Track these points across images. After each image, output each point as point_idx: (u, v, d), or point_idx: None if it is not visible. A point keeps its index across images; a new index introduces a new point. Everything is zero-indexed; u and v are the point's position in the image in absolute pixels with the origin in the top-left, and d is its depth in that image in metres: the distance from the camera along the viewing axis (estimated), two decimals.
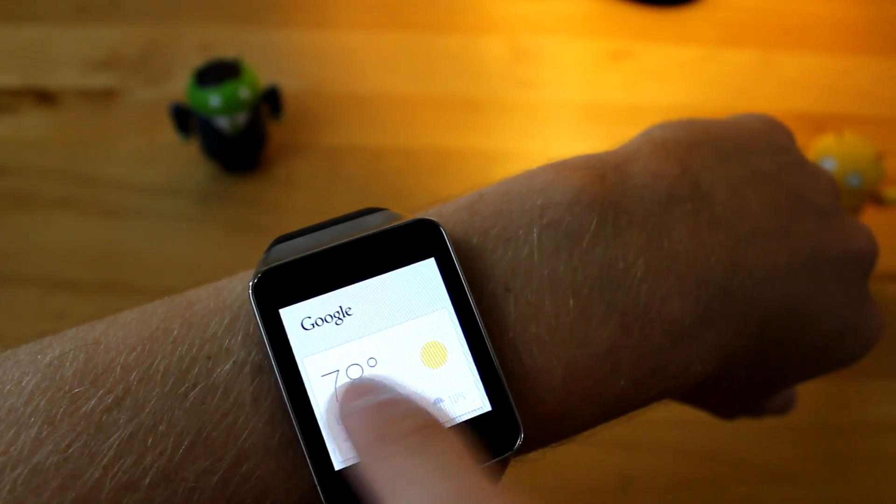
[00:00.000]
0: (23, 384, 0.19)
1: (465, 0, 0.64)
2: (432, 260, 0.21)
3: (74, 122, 0.55)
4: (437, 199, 0.24)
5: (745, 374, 0.26)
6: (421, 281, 0.21)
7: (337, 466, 0.19)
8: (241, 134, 0.50)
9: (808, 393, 0.46)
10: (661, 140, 0.25)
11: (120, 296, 0.47)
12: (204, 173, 0.53)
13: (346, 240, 0.21)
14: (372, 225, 0.22)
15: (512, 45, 0.61)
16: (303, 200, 0.52)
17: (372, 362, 0.20)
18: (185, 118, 0.50)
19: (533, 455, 0.22)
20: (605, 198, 0.22)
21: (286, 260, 0.20)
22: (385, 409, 0.18)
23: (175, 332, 0.20)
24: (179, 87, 0.55)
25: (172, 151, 0.54)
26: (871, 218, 0.50)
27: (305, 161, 0.54)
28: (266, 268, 0.20)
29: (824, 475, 0.43)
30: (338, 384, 0.20)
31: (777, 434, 0.45)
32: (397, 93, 0.58)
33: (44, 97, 0.56)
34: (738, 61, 0.61)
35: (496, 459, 0.20)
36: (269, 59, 0.58)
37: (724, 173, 0.24)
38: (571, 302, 0.21)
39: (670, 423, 0.45)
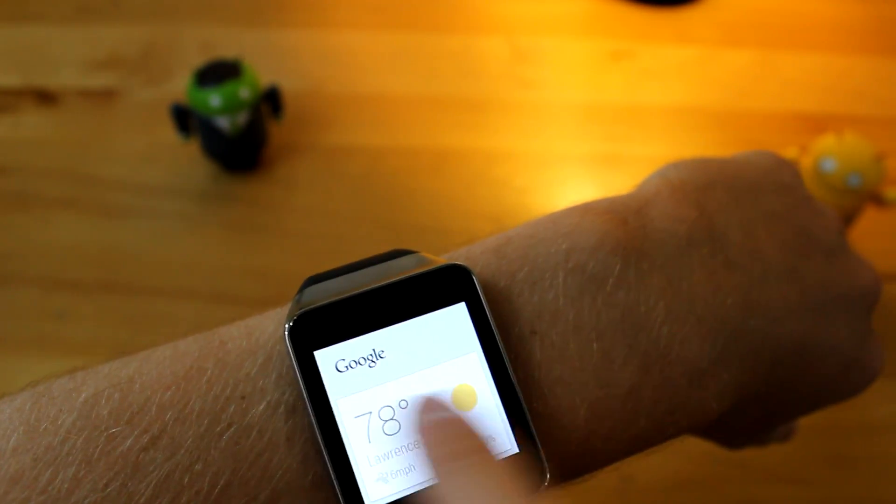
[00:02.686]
0: (59, 423, 0.19)
1: (465, 0, 0.64)
2: (463, 304, 0.21)
3: (74, 122, 0.55)
4: (465, 241, 0.24)
5: (755, 408, 0.26)
6: (452, 325, 0.21)
7: None
8: (241, 134, 0.50)
9: None
10: (678, 182, 0.25)
11: (120, 296, 0.47)
12: (204, 173, 0.53)
13: (380, 284, 0.21)
14: (403, 268, 0.22)
15: (512, 45, 0.61)
16: (303, 200, 0.52)
17: (404, 404, 0.20)
18: (185, 118, 0.50)
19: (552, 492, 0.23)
20: (627, 242, 0.23)
21: (321, 303, 0.21)
22: (457, 425, 0.19)
23: (209, 371, 0.20)
24: (179, 87, 0.55)
25: (172, 151, 0.54)
26: (871, 218, 0.50)
27: (305, 161, 0.54)
28: (301, 311, 0.20)
29: (824, 475, 0.43)
30: (370, 426, 0.20)
31: None
32: (397, 93, 0.58)
33: (44, 97, 0.56)
34: (738, 61, 0.61)
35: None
36: (269, 59, 0.59)
37: (737, 214, 0.25)
38: (595, 345, 0.22)
39: None
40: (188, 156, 0.53)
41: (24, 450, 0.19)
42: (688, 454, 0.44)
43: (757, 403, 0.26)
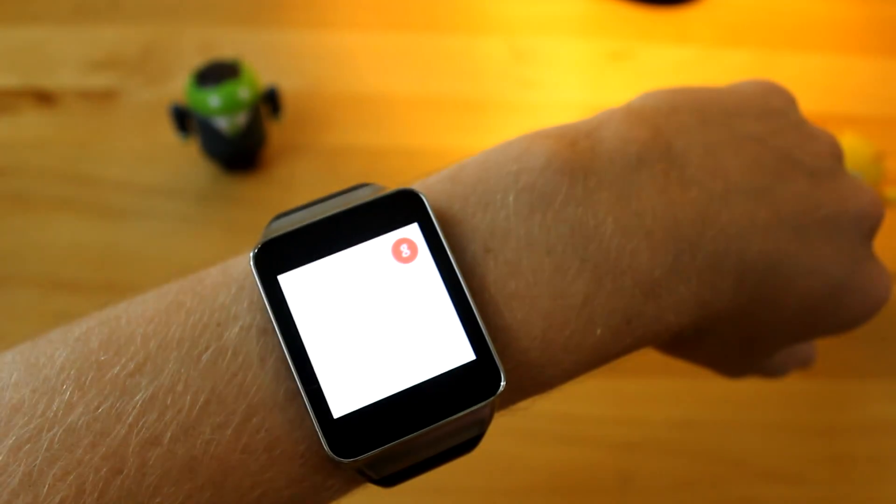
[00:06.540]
0: (54, 357, 0.21)
1: (465, 0, 0.64)
2: (415, 224, 0.23)
3: (74, 122, 0.55)
4: (423, 174, 0.25)
5: (729, 328, 0.27)
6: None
7: (336, 415, 0.21)
8: (240, 134, 0.50)
9: (807, 393, 0.46)
10: (637, 108, 0.26)
11: (120, 296, 0.47)
12: (204, 173, 0.53)
13: (337, 210, 0.23)
14: (361, 197, 0.24)
15: (512, 45, 0.61)
16: (302, 201, 0.52)
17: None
18: (184, 118, 0.50)
19: (523, 404, 0.24)
20: (575, 162, 0.24)
21: (283, 231, 0.23)
22: None
23: (188, 304, 0.22)
24: (179, 87, 0.55)
25: (172, 151, 0.54)
26: None
27: (305, 161, 0.54)
28: (265, 239, 0.22)
29: (824, 475, 0.43)
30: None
31: (777, 434, 0.45)
32: (397, 93, 0.58)
33: (44, 97, 0.56)
34: (738, 61, 0.61)
35: (482, 404, 0.22)
36: (269, 59, 0.58)
37: (701, 137, 0.26)
38: (547, 259, 0.23)
39: (670, 423, 0.45)
40: (188, 156, 0.53)
41: (24, 383, 0.21)
42: (688, 454, 0.44)
43: (729, 323, 0.26)
